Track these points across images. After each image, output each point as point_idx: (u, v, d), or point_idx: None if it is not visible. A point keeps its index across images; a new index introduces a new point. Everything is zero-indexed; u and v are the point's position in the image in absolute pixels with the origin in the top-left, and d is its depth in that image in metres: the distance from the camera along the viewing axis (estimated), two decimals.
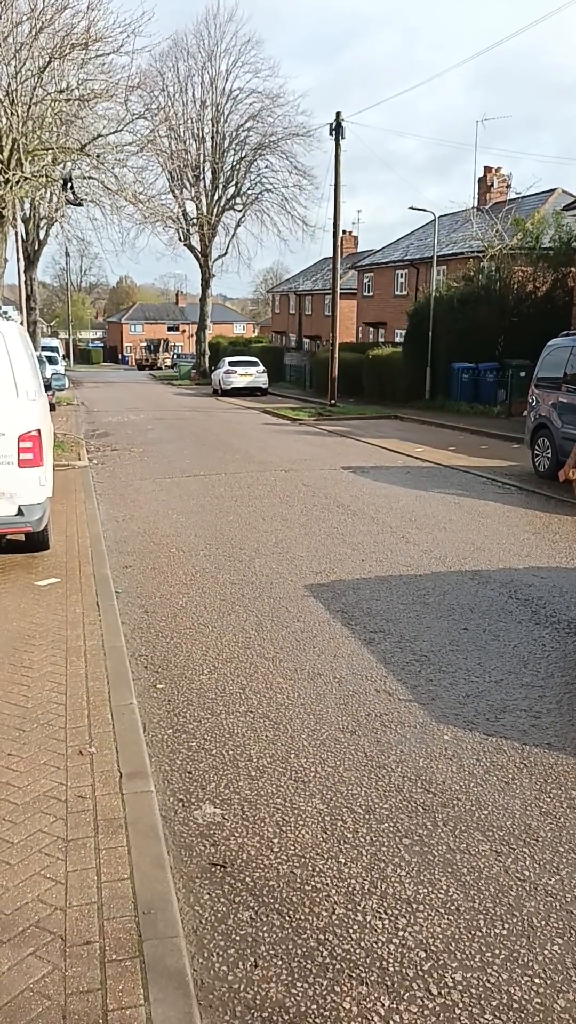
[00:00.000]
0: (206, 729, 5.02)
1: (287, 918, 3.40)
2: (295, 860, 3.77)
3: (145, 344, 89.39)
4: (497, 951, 3.23)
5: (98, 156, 17.70)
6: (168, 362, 76.87)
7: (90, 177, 18.60)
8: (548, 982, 3.07)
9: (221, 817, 4.10)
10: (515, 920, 3.40)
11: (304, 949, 3.23)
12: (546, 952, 3.22)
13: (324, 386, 31.16)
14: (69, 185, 17.54)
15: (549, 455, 13.89)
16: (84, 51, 17.07)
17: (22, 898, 3.38)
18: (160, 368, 74.41)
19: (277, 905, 3.47)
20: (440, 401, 27.45)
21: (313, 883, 3.61)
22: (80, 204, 18.92)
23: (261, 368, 37.98)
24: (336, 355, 29.75)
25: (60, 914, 3.29)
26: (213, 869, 3.71)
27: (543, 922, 3.38)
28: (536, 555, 9.06)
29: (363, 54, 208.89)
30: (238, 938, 3.29)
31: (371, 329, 45.11)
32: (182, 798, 4.28)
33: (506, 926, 3.36)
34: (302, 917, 3.40)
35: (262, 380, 37.34)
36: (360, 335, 46.53)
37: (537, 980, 3.08)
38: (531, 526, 10.53)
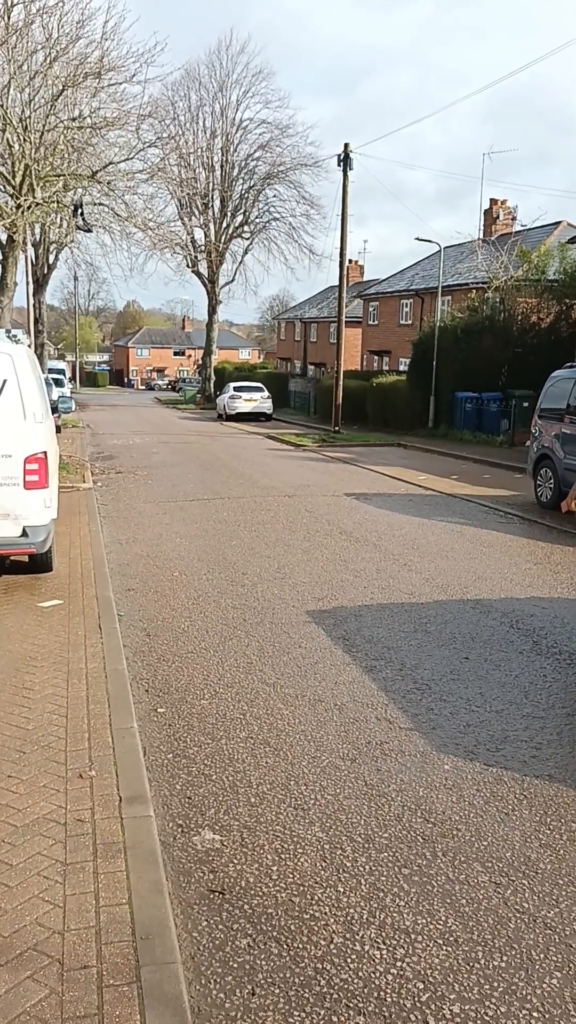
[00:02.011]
0: (206, 754, 5.02)
1: (285, 946, 3.39)
2: (294, 888, 3.76)
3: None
4: (496, 983, 3.21)
5: (109, 183, 17.93)
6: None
7: (100, 203, 18.83)
8: (547, 1016, 3.06)
9: (220, 843, 4.10)
10: (514, 952, 3.38)
11: (302, 978, 3.22)
12: (545, 985, 3.21)
13: (328, 413, 31.28)
14: (79, 211, 17.75)
15: (552, 485, 13.93)
16: (97, 80, 17.34)
17: (20, 921, 3.37)
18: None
19: (275, 933, 3.46)
20: (444, 430, 27.55)
21: (312, 911, 3.60)
22: (90, 230, 19.13)
23: (266, 394, 38.16)
24: (340, 382, 29.88)
25: (58, 938, 3.28)
26: (212, 895, 3.70)
27: (542, 955, 3.37)
28: (538, 585, 9.07)
29: (379, 89, 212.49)
30: (236, 965, 3.28)
31: (376, 357, 45.37)
32: (181, 823, 4.27)
33: (505, 958, 3.35)
34: (300, 945, 3.39)
35: (266, 406, 37.50)
36: (365, 363, 46.78)
37: (535, 1014, 3.07)
38: (533, 556, 10.55)
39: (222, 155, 47.29)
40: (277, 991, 3.14)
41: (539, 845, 4.12)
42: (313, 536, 11.42)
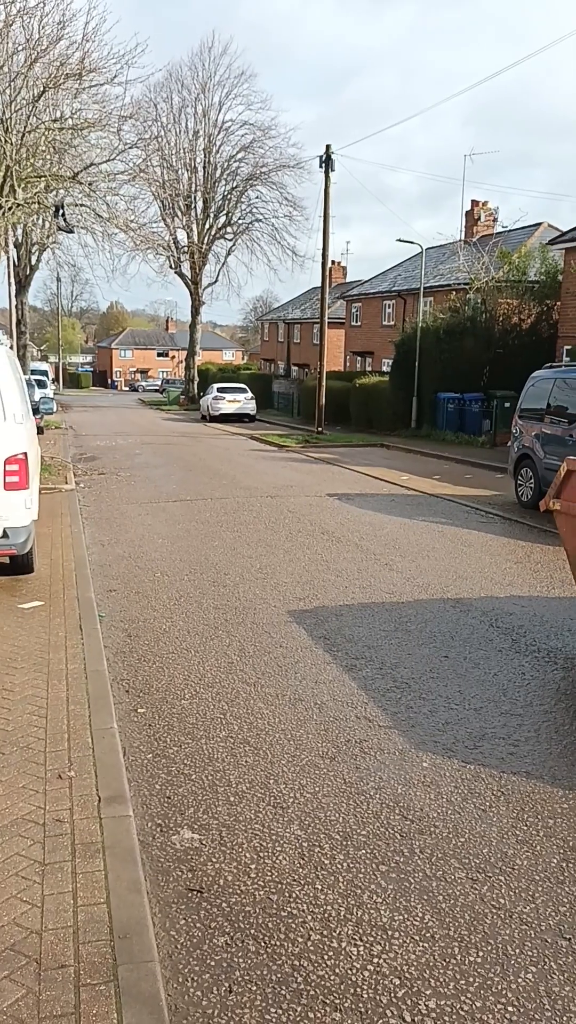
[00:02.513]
0: (186, 754, 5.03)
1: (262, 944, 3.40)
2: (272, 886, 3.78)
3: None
4: (471, 979, 3.24)
5: (90, 184, 17.90)
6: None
7: (82, 205, 18.80)
8: (522, 1010, 3.09)
9: (199, 842, 4.11)
10: (490, 948, 3.41)
11: (279, 975, 3.23)
12: (520, 980, 3.24)
13: (312, 413, 31.34)
14: (61, 212, 17.73)
15: (532, 485, 14.02)
16: (78, 81, 17.32)
17: None
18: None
19: (253, 931, 3.48)
20: (426, 430, 27.66)
21: (289, 909, 3.62)
22: (72, 231, 19.11)
23: (249, 395, 38.17)
24: (324, 383, 29.95)
25: (36, 937, 3.28)
26: (190, 894, 3.71)
27: (517, 950, 3.40)
28: (518, 584, 9.13)
29: (364, 91, 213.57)
30: (213, 963, 3.29)
31: (359, 358, 45.47)
32: (160, 823, 4.28)
33: (481, 954, 3.38)
34: (277, 943, 3.41)
35: (250, 407, 37.51)
36: (348, 364, 46.88)
37: (511, 1008, 3.10)
38: (513, 555, 10.61)
39: (204, 156, 47.31)
40: (254, 988, 3.16)
41: (516, 841, 4.15)
42: (295, 536, 11.44)
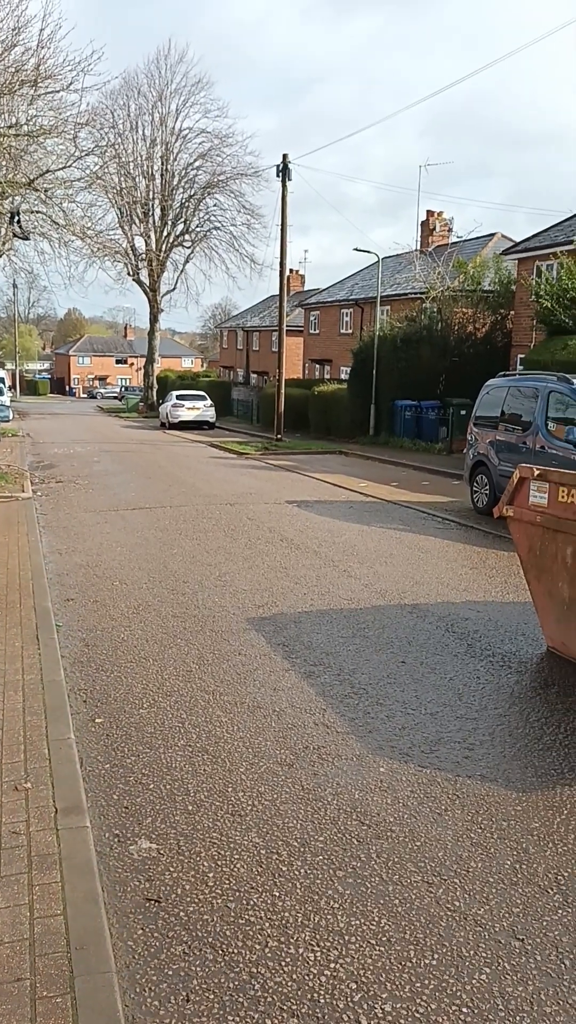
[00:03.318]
0: (144, 764, 5.02)
1: (220, 952, 3.41)
2: (230, 894, 3.79)
3: None
4: (427, 981, 3.28)
5: (46, 191, 17.79)
6: None
7: (38, 211, 18.66)
8: (476, 1011, 3.14)
9: (157, 852, 4.11)
10: (445, 950, 3.46)
11: (236, 982, 3.25)
12: (474, 981, 3.29)
13: (271, 421, 31.41)
14: (16, 219, 17.57)
15: (487, 491, 14.21)
16: (33, 88, 17.20)
17: None
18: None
19: (211, 939, 3.49)
20: (384, 437, 27.89)
21: (247, 916, 3.63)
22: (27, 238, 18.95)
23: (209, 402, 38.13)
24: (283, 391, 30.06)
25: None
26: (148, 904, 3.71)
27: (472, 952, 3.45)
28: (473, 589, 9.25)
29: (324, 100, 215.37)
30: (171, 972, 3.29)
31: (317, 366, 45.69)
32: (118, 833, 4.27)
33: (436, 956, 3.42)
34: (235, 951, 3.42)
35: (209, 414, 37.45)
36: (307, 371, 47.08)
37: (465, 1009, 3.14)
38: (469, 561, 10.75)
39: (162, 164, 47.19)
40: (212, 996, 3.17)
41: (470, 844, 4.21)
42: (255, 544, 11.46)
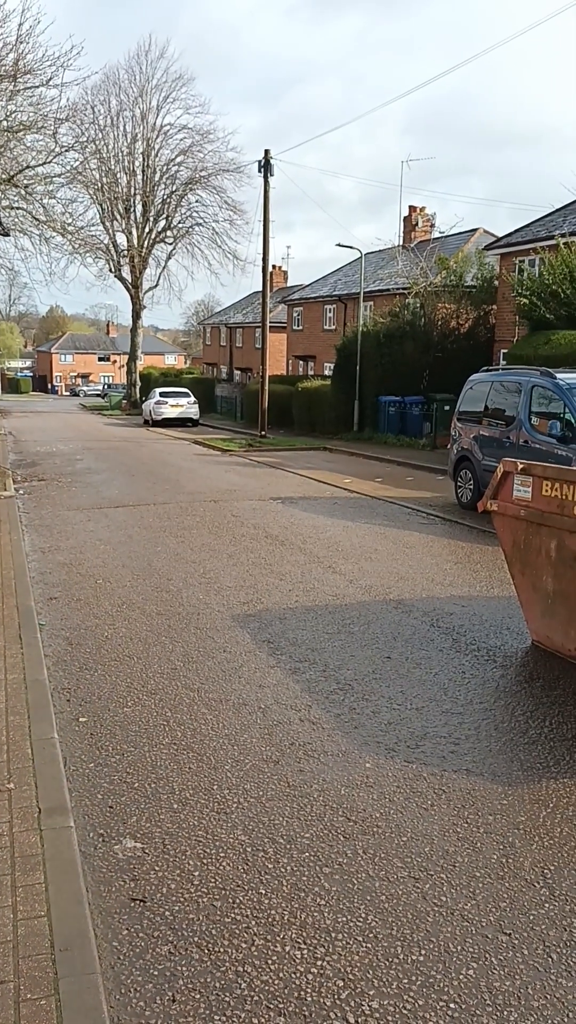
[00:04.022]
0: (128, 762, 4.98)
1: (206, 951, 3.39)
2: (215, 892, 3.76)
3: None
4: (414, 977, 3.27)
5: (26, 187, 17.67)
6: None
7: (18, 207, 18.55)
8: (463, 1006, 3.13)
9: (142, 851, 4.08)
10: (432, 946, 3.45)
11: (222, 982, 3.22)
12: (461, 976, 3.28)
13: (255, 417, 31.35)
14: None
15: (471, 486, 14.24)
16: (12, 83, 17.07)
17: None
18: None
19: (196, 938, 3.46)
20: (368, 433, 27.89)
21: (233, 915, 3.61)
22: (7, 234, 18.81)
23: (192, 399, 38.02)
24: (267, 387, 30.01)
25: None
26: (132, 904, 3.68)
27: (459, 947, 3.44)
28: (458, 584, 9.25)
29: (307, 99, 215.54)
30: (156, 973, 3.26)
31: (301, 362, 45.65)
32: (102, 833, 4.23)
33: (423, 952, 3.41)
34: (221, 950, 3.40)
35: (193, 411, 37.35)
36: (290, 368, 47.04)
37: (452, 1005, 3.13)
38: (454, 556, 10.76)
39: (143, 159, 46.96)
40: (198, 996, 3.15)
41: (456, 839, 4.21)
42: (239, 541, 11.43)
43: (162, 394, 38.33)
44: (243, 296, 62.80)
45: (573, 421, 11.95)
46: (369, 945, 3.44)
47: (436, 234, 38.84)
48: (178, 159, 46.71)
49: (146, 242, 48.41)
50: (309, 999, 3.14)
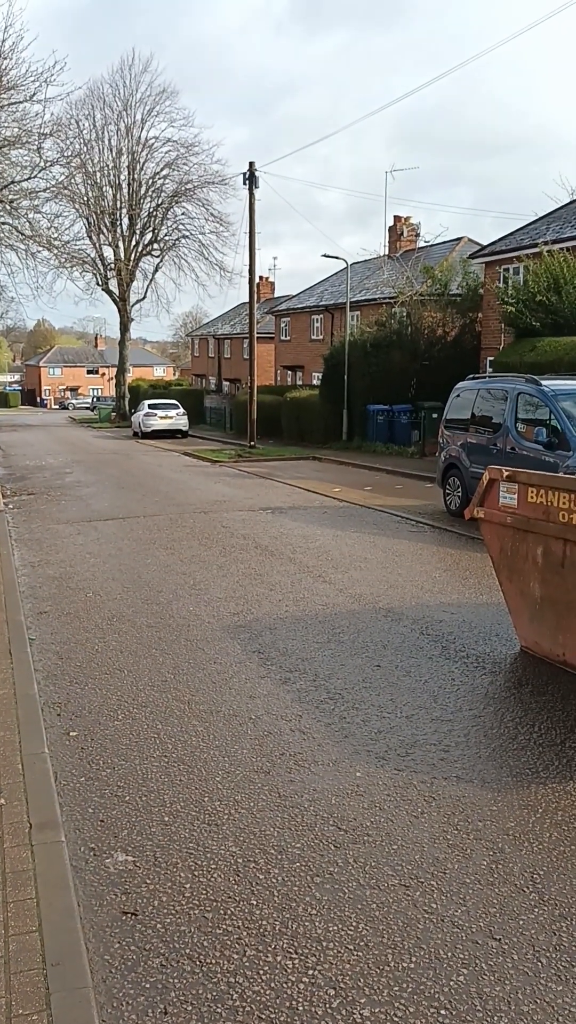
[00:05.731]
0: (119, 776, 4.99)
1: (198, 963, 3.40)
2: (207, 904, 3.77)
3: None
4: (405, 984, 3.29)
5: (11, 202, 17.71)
6: None
7: (4, 222, 18.58)
8: (454, 1012, 3.14)
9: (133, 864, 4.08)
10: (422, 953, 3.47)
11: (214, 993, 3.23)
12: (452, 983, 3.29)
13: (244, 428, 31.38)
14: None
15: (459, 494, 14.28)
16: None
17: None
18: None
19: (188, 950, 3.47)
20: (357, 442, 27.97)
21: (224, 926, 3.62)
22: None
23: (181, 411, 38.05)
24: (255, 398, 30.06)
25: None
26: (124, 917, 3.68)
27: (449, 953, 3.46)
28: (447, 591, 9.29)
29: (295, 112, 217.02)
30: (148, 985, 3.27)
31: (289, 372, 45.78)
32: (93, 847, 4.24)
33: (413, 959, 3.43)
34: (213, 961, 3.41)
35: (182, 422, 37.38)
36: (279, 378, 47.14)
37: (443, 1011, 3.15)
38: (443, 563, 10.80)
39: (129, 173, 47.12)
40: (190, 1008, 3.15)
41: (447, 846, 4.23)
42: (229, 551, 11.45)
43: (151, 406, 38.35)
44: (231, 307, 62.91)
45: (559, 428, 12.02)
46: (360, 953, 3.46)
47: (421, 243, 39.08)
48: (163, 172, 46.95)
49: (133, 255, 48.52)
50: (300, 1008, 3.15)
